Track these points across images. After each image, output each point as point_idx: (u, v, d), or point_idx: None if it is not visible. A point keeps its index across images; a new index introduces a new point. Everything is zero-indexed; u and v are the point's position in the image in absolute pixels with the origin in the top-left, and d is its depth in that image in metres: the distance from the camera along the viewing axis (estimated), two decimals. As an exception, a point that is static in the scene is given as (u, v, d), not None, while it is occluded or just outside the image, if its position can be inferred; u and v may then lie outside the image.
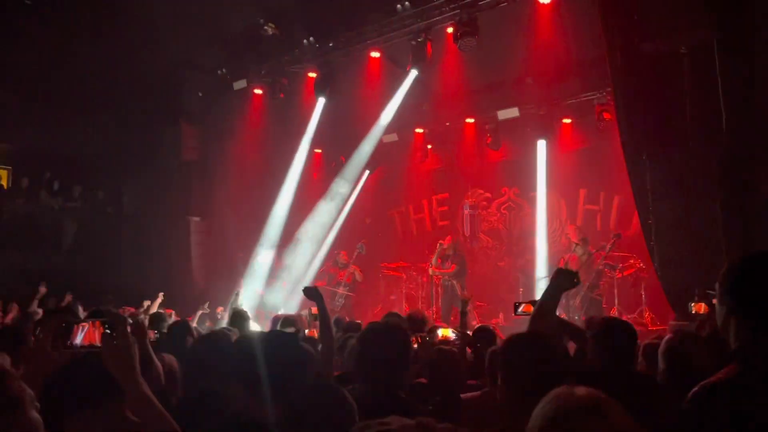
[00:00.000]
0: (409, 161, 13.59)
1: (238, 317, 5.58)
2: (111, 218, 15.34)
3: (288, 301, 12.76)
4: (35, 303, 6.71)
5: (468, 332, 4.66)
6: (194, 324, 6.42)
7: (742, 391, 1.74)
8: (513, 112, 11.67)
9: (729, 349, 1.91)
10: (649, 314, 9.59)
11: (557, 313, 3.35)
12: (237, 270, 13.20)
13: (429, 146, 13.40)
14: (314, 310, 6.78)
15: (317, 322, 4.51)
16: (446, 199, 13.76)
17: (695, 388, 1.81)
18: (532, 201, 12.47)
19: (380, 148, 13.37)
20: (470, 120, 12.63)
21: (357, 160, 13.40)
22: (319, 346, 3.76)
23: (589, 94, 11.06)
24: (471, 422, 2.96)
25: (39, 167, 14.95)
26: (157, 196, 14.32)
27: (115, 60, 12.01)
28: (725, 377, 1.79)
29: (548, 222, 11.99)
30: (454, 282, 11.03)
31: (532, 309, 4.17)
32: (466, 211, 12.90)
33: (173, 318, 6.69)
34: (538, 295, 3.48)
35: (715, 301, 2.01)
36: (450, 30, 10.00)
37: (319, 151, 14.41)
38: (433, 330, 4.89)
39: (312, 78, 12.17)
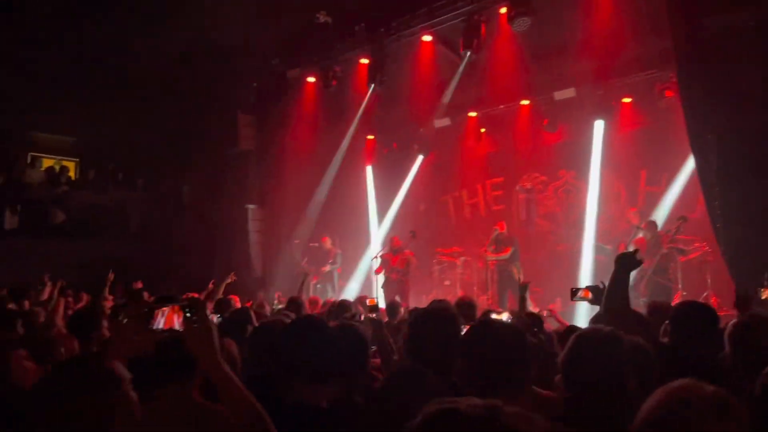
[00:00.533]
0: (462, 145, 13.45)
1: (295, 303, 5.68)
2: (172, 207, 15.85)
3: (342, 287, 12.94)
4: (106, 290, 7.01)
5: (524, 317, 4.61)
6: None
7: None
8: (570, 93, 11.36)
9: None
10: (714, 299, 9.24)
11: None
12: (294, 256, 13.45)
13: (482, 130, 13.23)
14: (370, 301, 6.83)
15: (373, 314, 4.58)
16: (501, 183, 13.56)
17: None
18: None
19: (433, 133, 13.30)
20: (525, 102, 12.38)
21: (410, 145, 13.37)
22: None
23: (649, 72, 10.65)
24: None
25: (104, 159, 15.59)
26: (215, 185, 14.69)
27: (172, 53, 12.33)
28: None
29: (607, 205, 11.68)
30: (510, 267, 10.90)
31: (589, 294, 4.08)
32: (522, 195, 12.68)
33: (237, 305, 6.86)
34: (593, 281, 3.40)
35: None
36: (503, 10, 9.81)
37: (372, 137, 14.45)
38: (487, 314, 4.85)
39: (364, 65, 12.19)
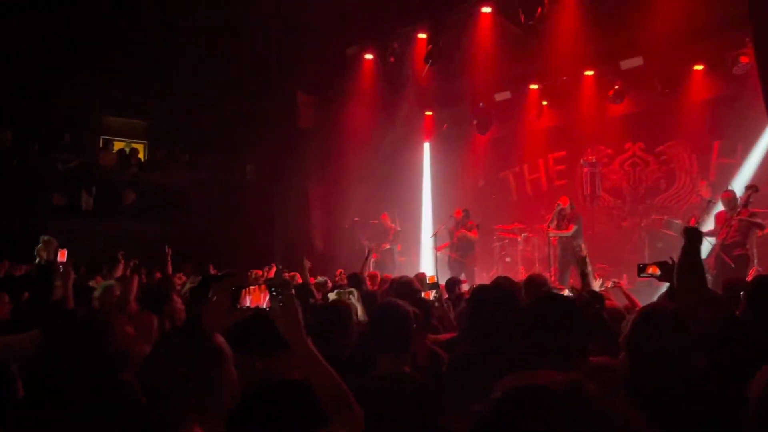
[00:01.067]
0: (523, 119, 13.17)
1: (357, 281, 5.74)
2: (236, 187, 16.25)
3: (402, 263, 12.99)
4: (169, 266, 7.29)
5: (585, 293, 4.49)
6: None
7: None
8: (637, 61, 10.89)
9: None
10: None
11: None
12: (355, 234, 13.58)
13: (544, 102, 12.90)
14: (430, 278, 6.83)
15: (433, 290, 4.60)
16: (563, 158, 13.22)
17: None
18: (659, 156, 11.71)
19: (493, 107, 13.06)
20: (589, 72, 11.96)
21: (468, 120, 13.18)
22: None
23: (722, 36, 10.07)
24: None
25: (171, 141, 16.11)
26: (276, 164, 14.95)
27: (232, 33, 12.54)
28: None
29: (677, 178, 11.22)
30: (573, 243, 10.65)
31: (658, 270, 3.94)
32: (586, 169, 12.32)
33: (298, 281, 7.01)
34: (661, 257, 3.27)
35: None
36: (566, -23, 9.46)
37: (430, 113, 14.32)
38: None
39: (422, 39, 12.04)
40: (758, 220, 8.78)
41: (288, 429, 1.85)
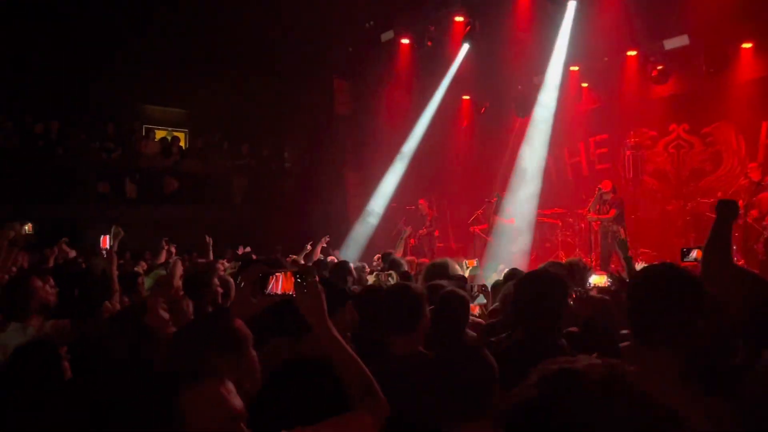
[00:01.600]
0: (562, 102, 12.91)
1: (395, 263, 5.75)
2: (274, 173, 16.42)
3: (440, 248, 12.94)
4: (210, 253, 7.43)
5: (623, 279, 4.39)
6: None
7: None
8: (682, 40, 10.55)
9: None
10: None
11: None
12: (392, 219, 13.59)
13: (584, 84, 12.61)
14: (470, 262, 6.80)
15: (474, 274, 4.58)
16: (605, 141, 12.93)
17: None
18: (704, 138, 11.35)
19: (533, 90, 12.84)
20: (632, 53, 11.63)
21: (507, 104, 12.99)
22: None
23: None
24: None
25: (211, 129, 16.35)
26: (313, 150, 15.04)
27: (267, 21, 12.61)
28: None
29: (724, 160, 10.87)
30: (614, 228, 10.44)
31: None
32: (628, 152, 12.03)
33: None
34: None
35: None
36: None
37: (467, 97, 14.17)
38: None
39: (459, 22, 11.88)
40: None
41: (313, 407, 1.87)
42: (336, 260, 7.45)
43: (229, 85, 14.45)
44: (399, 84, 13.58)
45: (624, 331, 3.65)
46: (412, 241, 12.81)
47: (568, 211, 12.30)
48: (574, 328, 3.53)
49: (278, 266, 2.98)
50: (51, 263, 6.24)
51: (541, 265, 4.59)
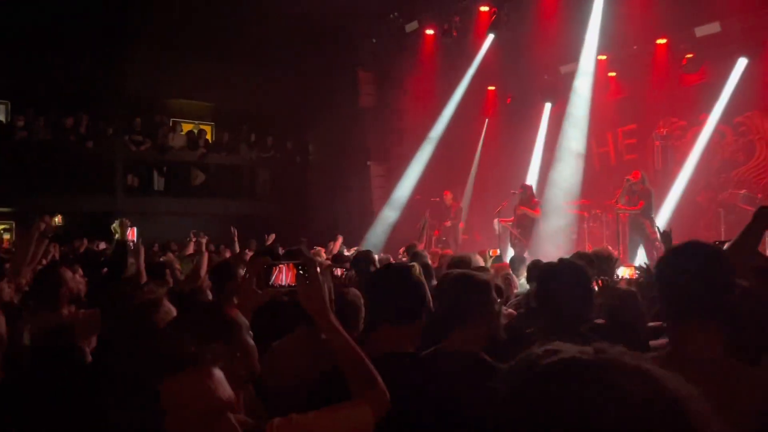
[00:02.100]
0: (589, 91, 12.70)
1: (417, 255, 5.73)
2: (299, 166, 16.51)
3: (465, 240, 12.88)
4: (236, 245, 7.50)
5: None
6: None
7: None
8: (713, 28, 10.30)
9: None
10: None
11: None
12: (416, 212, 13.55)
13: (612, 74, 12.40)
14: (493, 251, 6.76)
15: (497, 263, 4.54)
16: (634, 131, 12.70)
17: None
18: (736, 128, 11.09)
19: (559, 80, 12.67)
20: (662, 41, 11.39)
21: (533, 94, 12.84)
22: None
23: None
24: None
25: (237, 122, 16.49)
26: (338, 142, 15.05)
27: (293, 14, 12.62)
28: None
29: (757, 150, 10.60)
30: (643, 220, 10.26)
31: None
32: (658, 143, 11.80)
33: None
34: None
35: None
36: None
37: (493, 88, 14.03)
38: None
39: (485, 12, 11.77)
40: None
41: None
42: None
43: (254, 78, 14.53)
44: (423, 75, 13.50)
45: (652, 324, 3.60)
46: (436, 232, 12.77)
47: (594, 202, 12.13)
48: (601, 320, 3.49)
49: (297, 256, 2.99)
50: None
51: (565, 256, 4.55)
